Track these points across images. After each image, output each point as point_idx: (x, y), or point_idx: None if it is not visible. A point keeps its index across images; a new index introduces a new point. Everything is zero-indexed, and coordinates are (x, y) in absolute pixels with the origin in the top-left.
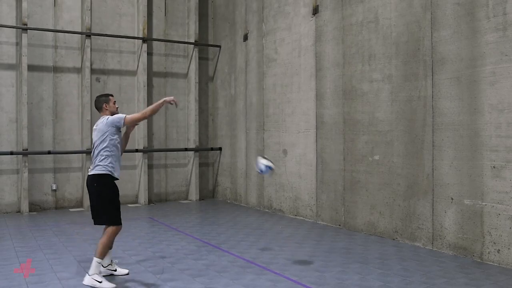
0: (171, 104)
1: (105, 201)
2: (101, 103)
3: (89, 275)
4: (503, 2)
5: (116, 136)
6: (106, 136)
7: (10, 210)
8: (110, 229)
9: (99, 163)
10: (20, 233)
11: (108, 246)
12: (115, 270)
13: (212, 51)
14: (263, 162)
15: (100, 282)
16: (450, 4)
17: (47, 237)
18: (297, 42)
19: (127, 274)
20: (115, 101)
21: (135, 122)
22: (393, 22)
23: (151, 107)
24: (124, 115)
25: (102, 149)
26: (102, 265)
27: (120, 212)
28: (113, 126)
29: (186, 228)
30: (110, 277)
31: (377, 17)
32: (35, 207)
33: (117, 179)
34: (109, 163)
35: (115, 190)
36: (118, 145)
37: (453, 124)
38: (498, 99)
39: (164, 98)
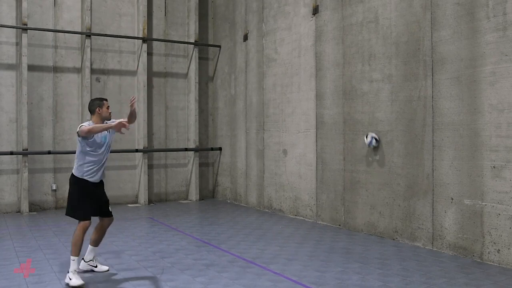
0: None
1: (70, 198)
2: (95, 106)
3: (68, 274)
4: (503, 2)
5: (84, 143)
6: (79, 144)
7: (10, 210)
8: (78, 225)
9: (75, 166)
10: (20, 233)
11: (79, 243)
12: (96, 266)
13: (212, 51)
14: (370, 136)
15: (70, 279)
16: (450, 4)
17: (47, 237)
18: (297, 42)
19: (107, 270)
20: (108, 106)
21: (84, 133)
22: (393, 22)
23: (97, 126)
24: (82, 125)
25: (79, 153)
26: (84, 260)
27: (81, 209)
28: (78, 134)
29: (186, 228)
30: (91, 273)
31: (377, 17)
32: (35, 207)
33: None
34: (82, 168)
35: (82, 193)
36: (93, 152)
37: (453, 124)
38: (498, 99)
39: (117, 122)
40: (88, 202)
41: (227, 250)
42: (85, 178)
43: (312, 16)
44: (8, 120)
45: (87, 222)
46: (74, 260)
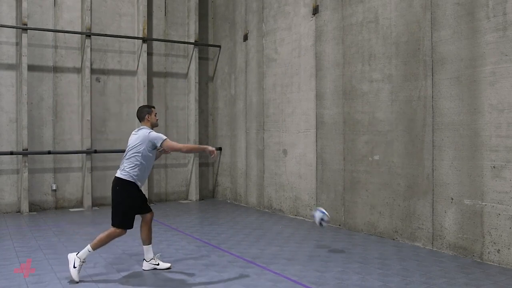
0: (211, 154)
1: (119, 204)
2: (144, 113)
3: (76, 255)
4: (503, 2)
5: (151, 150)
6: (143, 147)
7: (10, 210)
8: (113, 229)
9: (126, 169)
10: (20, 233)
11: (105, 243)
12: (158, 264)
13: (212, 51)
14: (318, 215)
15: (75, 267)
16: (450, 4)
17: (47, 237)
18: (297, 42)
19: (169, 268)
20: (156, 113)
21: (171, 149)
22: (393, 22)
23: (192, 146)
24: (165, 138)
25: (134, 156)
26: (145, 260)
27: (129, 219)
28: (151, 141)
29: (186, 228)
30: (153, 271)
31: (377, 17)
32: (35, 207)
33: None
34: (135, 172)
35: (133, 198)
36: (150, 159)
37: (453, 124)
38: (498, 99)
39: (207, 147)
40: (135, 210)
41: (227, 250)
42: (136, 182)
43: (312, 16)
44: (8, 120)
45: (124, 232)
46: (90, 251)
